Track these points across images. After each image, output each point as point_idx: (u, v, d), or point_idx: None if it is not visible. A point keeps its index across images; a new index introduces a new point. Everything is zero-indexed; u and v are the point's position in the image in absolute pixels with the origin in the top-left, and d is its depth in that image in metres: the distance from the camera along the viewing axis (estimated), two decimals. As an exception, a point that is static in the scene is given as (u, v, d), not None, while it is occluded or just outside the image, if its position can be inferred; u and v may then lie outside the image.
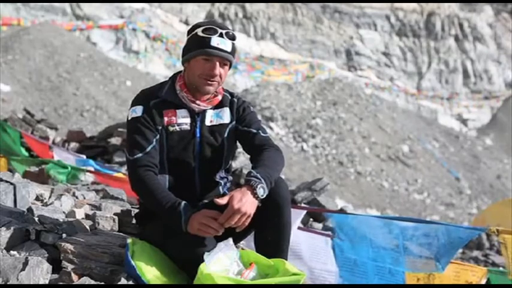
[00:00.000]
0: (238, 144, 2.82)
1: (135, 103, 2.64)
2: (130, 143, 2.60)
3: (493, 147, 42.06)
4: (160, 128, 2.60)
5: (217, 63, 2.57)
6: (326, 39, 48.90)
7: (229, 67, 2.65)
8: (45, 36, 28.69)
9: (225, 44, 2.55)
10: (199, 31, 2.56)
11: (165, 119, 2.61)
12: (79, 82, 26.11)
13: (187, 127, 2.63)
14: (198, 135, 2.65)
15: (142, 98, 2.64)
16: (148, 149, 2.55)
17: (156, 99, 2.63)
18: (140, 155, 2.54)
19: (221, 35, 2.55)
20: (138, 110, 2.60)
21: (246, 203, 2.32)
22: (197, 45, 2.57)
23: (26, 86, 24.59)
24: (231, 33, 2.59)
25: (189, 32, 2.63)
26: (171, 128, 2.61)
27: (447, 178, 32.36)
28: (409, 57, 50.97)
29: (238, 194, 2.33)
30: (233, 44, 2.60)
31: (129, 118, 2.62)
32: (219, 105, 2.71)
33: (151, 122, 2.58)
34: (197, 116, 2.66)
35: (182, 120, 2.63)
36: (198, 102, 2.64)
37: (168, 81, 2.72)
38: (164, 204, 2.42)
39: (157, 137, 2.58)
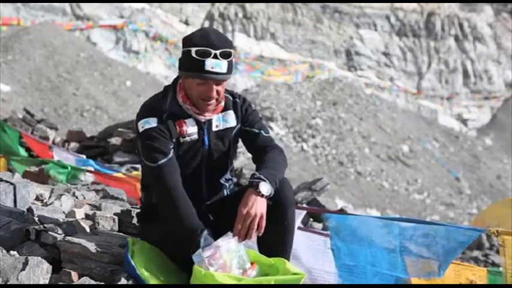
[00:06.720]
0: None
1: (145, 115, 2.56)
2: (150, 150, 2.52)
3: (493, 147, 42.02)
4: (174, 139, 2.57)
5: (213, 85, 2.50)
6: (326, 39, 48.85)
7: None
8: (45, 36, 28.67)
9: (220, 67, 2.45)
10: (192, 51, 2.44)
11: (178, 129, 2.58)
12: (79, 82, 26.10)
13: (196, 136, 2.61)
14: (206, 143, 2.64)
15: (153, 111, 2.57)
16: (170, 154, 2.52)
17: (166, 112, 2.57)
18: (164, 160, 2.49)
19: (215, 56, 2.43)
20: (152, 121, 2.53)
21: (254, 205, 2.34)
22: (191, 67, 2.48)
23: (26, 86, 24.58)
24: (226, 52, 2.47)
25: (183, 43, 2.53)
26: (181, 139, 2.59)
27: (447, 178, 32.34)
28: (409, 57, 50.91)
29: (243, 200, 2.35)
30: (229, 62, 2.49)
31: (142, 129, 2.54)
32: (223, 109, 2.68)
33: (167, 133, 2.53)
34: (204, 124, 2.63)
35: (191, 129, 2.60)
36: (203, 112, 2.61)
37: (168, 92, 2.64)
38: (185, 223, 2.40)
39: (172, 146, 2.55)
